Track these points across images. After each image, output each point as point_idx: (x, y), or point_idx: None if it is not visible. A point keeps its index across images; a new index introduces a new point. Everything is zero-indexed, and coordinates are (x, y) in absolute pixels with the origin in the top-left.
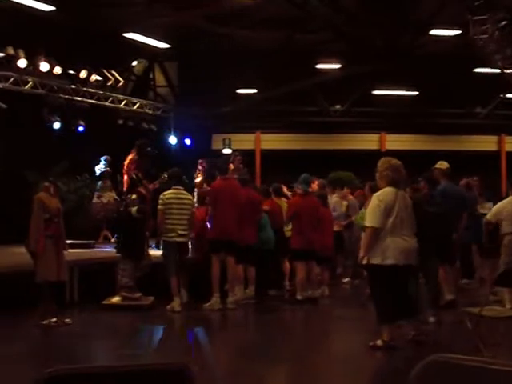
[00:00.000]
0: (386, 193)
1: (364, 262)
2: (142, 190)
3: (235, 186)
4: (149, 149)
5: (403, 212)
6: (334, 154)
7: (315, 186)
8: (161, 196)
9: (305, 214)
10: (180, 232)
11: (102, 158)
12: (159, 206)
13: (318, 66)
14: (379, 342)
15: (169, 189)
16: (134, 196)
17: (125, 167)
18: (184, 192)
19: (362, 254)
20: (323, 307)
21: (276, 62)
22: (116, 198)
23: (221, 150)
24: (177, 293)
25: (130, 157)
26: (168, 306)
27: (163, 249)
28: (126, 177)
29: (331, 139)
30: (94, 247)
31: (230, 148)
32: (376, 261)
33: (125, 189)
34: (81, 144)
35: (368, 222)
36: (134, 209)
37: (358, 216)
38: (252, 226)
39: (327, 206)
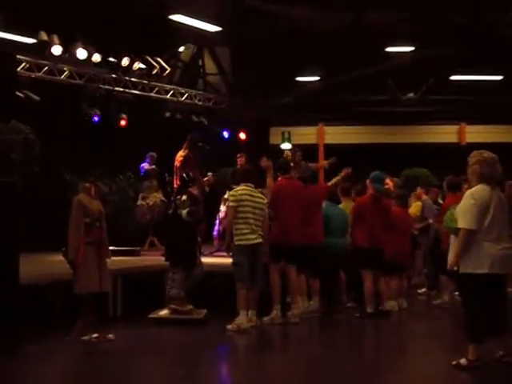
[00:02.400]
0: (480, 190)
1: (454, 268)
2: (193, 190)
3: (298, 185)
4: (201, 144)
5: (499, 213)
6: (407, 149)
7: (390, 184)
8: (231, 192)
9: (371, 215)
10: (257, 234)
11: (147, 155)
12: (231, 203)
13: (389, 50)
14: (463, 361)
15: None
16: (184, 197)
17: (176, 164)
18: (255, 189)
19: (452, 259)
20: (397, 321)
21: (341, 46)
22: (163, 199)
23: (279, 145)
24: (245, 307)
25: (180, 153)
26: (230, 326)
27: (235, 255)
28: (175, 176)
29: (403, 131)
30: (139, 254)
31: (289, 143)
32: (468, 269)
33: (175, 189)
34: (123, 139)
35: (462, 224)
36: (184, 211)
37: (446, 217)
38: (317, 225)
39: (406, 206)
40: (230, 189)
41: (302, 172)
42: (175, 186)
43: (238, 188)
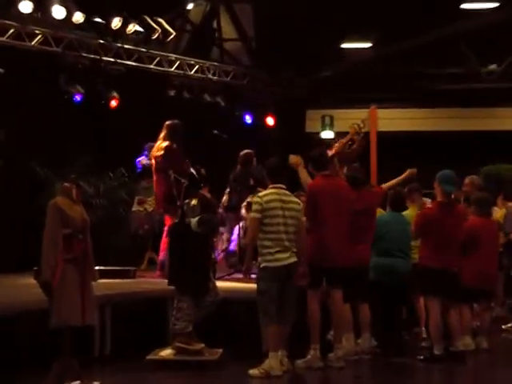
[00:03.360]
0: None
1: None
2: (206, 191)
3: (342, 186)
4: (216, 131)
5: None
6: (487, 138)
7: (468, 185)
8: (255, 198)
9: (440, 227)
10: (289, 252)
11: (146, 147)
12: (253, 214)
13: (466, 6)
14: None
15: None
16: (193, 201)
17: (153, 162)
18: (288, 193)
19: None
20: (473, 366)
21: (401, 2)
22: None
23: (318, 134)
24: (277, 346)
25: (159, 146)
26: (256, 371)
27: (261, 281)
28: (154, 177)
29: (483, 115)
30: (134, 276)
31: (331, 130)
32: None
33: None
34: (114, 125)
35: None
36: (194, 220)
37: None
38: (367, 242)
39: (490, 215)
40: (253, 191)
41: (352, 170)
42: (155, 190)
43: (265, 192)
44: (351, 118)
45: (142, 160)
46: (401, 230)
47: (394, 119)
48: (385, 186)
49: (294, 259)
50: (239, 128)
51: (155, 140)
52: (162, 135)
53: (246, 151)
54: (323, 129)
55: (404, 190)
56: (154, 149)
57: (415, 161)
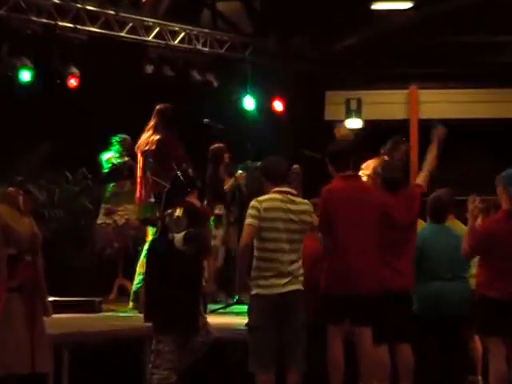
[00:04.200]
0: None
1: None
2: (193, 198)
3: (367, 190)
4: (206, 120)
5: None
6: None
7: None
8: (252, 202)
9: (506, 243)
10: (290, 276)
11: (115, 139)
12: (248, 220)
13: None
14: None
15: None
16: (178, 211)
17: (140, 158)
18: (297, 199)
19: None
20: None
21: None
22: None
23: (341, 123)
24: None
25: (147, 137)
26: None
27: (250, 312)
28: (139, 178)
29: None
30: (100, 309)
31: (359, 117)
32: None
33: (137, 201)
34: (73, 111)
35: None
36: (178, 236)
37: None
38: (407, 259)
39: None
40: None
41: (387, 170)
42: (139, 194)
43: (265, 197)
44: (384, 102)
45: (111, 157)
46: (450, 245)
47: (440, 103)
48: (420, 178)
49: (295, 286)
50: (237, 116)
51: (127, 131)
52: (151, 124)
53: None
54: (348, 116)
55: (446, 197)
56: (142, 142)
57: (470, 157)
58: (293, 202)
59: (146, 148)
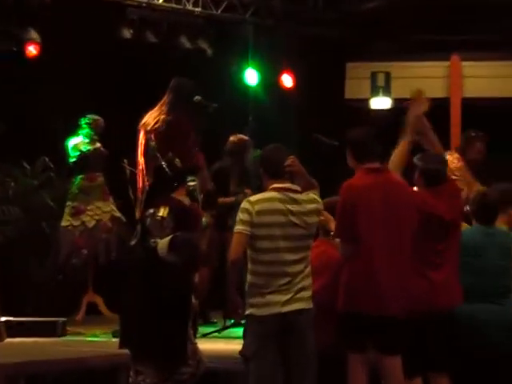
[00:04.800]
0: None
1: None
2: (181, 195)
3: (398, 185)
4: (198, 97)
5: None
6: None
7: None
8: (242, 204)
9: None
10: (292, 292)
11: (85, 120)
12: (237, 227)
13: None
14: None
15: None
16: (162, 211)
17: (141, 142)
18: (300, 197)
19: None
20: None
21: None
22: (118, 215)
23: (367, 102)
24: None
25: (153, 116)
26: None
27: (246, 337)
28: (141, 165)
29: None
30: (65, 332)
31: (387, 95)
32: None
33: (140, 193)
34: (33, 86)
35: None
36: (162, 242)
37: None
38: (448, 269)
39: None
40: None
41: (429, 159)
42: (139, 184)
43: (258, 197)
44: (419, 76)
45: (79, 144)
46: (500, 256)
47: (489, 78)
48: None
49: (300, 305)
50: (237, 92)
51: (99, 112)
52: (164, 100)
53: (239, 137)
54: (374, 93)
55: (496, 192)
56: (150, 119)
57: None
58: (295, 201)
59: (156, 127)
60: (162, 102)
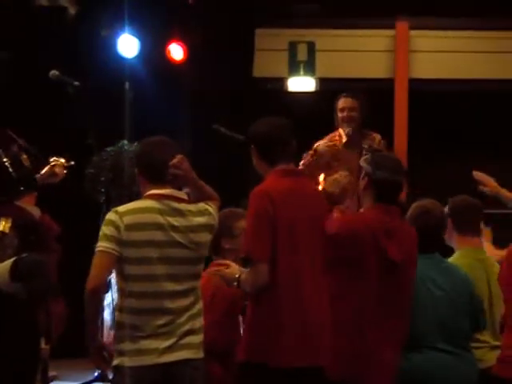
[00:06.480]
0: None
1: None
2: (30, 203)
3: (318, 194)
4: (54, 72)
5: None
6: None
7: None
8: (109, 216)
9: None
10: (175, 337)
11: None
12: (103, 244)
13: None
14: None
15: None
16: (3, 224)
17: None
18: (181, 206)
19: None
20: None
21: None
22: None
23: (284, 81)
24: None
25: None
26: None
27: None
28: None
29: None
30: None
31: (311, 75)
32: None
33: None
34: None
35: None
36: (1, 266)
37: None
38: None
39: None
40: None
41: (381, 166)
42: None
43: (128, 206)
44: (354, 50)
45: None
46: (452, 295)
47: (444, 53)
48: None
49: (186, 353)
50: (108, 65)
51: None
52: None
53: None
54: (293, 71)
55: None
56: None
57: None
58: (178, 212)
59: None
60: None
